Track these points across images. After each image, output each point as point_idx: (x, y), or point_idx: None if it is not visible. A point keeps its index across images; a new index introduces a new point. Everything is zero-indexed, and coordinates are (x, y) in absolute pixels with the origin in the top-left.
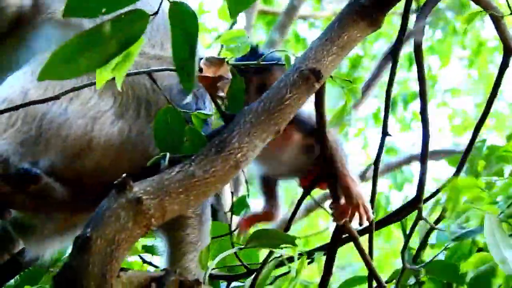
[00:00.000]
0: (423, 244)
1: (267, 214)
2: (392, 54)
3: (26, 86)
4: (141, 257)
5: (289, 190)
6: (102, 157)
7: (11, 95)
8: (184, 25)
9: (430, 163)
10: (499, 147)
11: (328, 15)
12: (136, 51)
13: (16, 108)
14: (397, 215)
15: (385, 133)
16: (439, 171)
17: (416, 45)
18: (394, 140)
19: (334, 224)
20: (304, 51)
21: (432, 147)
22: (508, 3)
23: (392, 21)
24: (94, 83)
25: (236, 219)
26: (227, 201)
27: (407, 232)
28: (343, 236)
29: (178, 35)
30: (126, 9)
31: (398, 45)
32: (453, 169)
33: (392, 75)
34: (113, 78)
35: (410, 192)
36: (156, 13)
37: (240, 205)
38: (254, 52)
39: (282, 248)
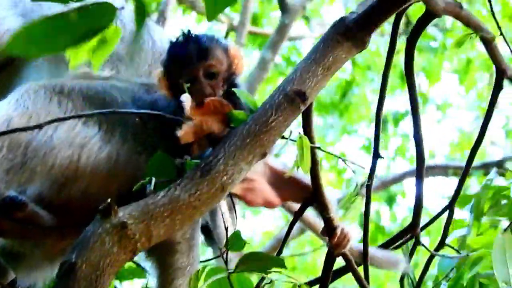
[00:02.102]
0: (424, 273)
1: None
2: (383, 77)
3: (9, 114)
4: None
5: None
6: (89, 183)
7: None
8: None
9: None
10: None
11: (317, 36)
12: (113, 39)
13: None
14: (394, 242)
15: (376, 155)
16: (436, 187)
17: (406, 63)
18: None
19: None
20: (289, 72)
21: (427, 162)
22: (498, 24)
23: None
24: (81, 115)
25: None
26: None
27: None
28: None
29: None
30: None
31: (387, 69)
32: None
33: (382, 99)
34: (98, 106)
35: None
36: (123, 8)
37: (236, 241)
38: (188, 37)
39: (271, 272)
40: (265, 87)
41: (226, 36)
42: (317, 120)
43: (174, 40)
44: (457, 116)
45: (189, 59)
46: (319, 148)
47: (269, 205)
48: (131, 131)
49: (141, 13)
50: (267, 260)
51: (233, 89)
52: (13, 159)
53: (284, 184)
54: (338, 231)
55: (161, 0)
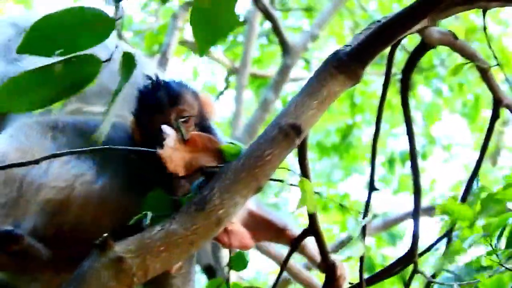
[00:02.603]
0: None
1: None
2: (378, 111)
3: (5, 149)
4: None
5: None
6: (83, 216)
7: None
8: (128, 71)
9: (424, 219)
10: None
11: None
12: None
13: None
14: (391, 270)
15: (372, 187)
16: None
17: (403, 97)
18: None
19: None
20: (284, 107)
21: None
22: (494, 53)
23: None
24: (75, 152)
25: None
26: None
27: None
28: None
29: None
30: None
31: (381, 103)
32: None
33: (377, 131)
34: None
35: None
36: (109, 60)
37: (239, 260)
38: (157, 84)
39: None
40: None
41: (227, 78)
42: (322, 161)
43: (142, 88)
44: (463, 154)
45: (160, 105)
46: (317, 193)
47: (244, 247)
48: (125, 166)
49: (129, 65)
50: None
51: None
52: (9, 193)
53: (258, 225)
54: (339, 266)
55: (163, 42)
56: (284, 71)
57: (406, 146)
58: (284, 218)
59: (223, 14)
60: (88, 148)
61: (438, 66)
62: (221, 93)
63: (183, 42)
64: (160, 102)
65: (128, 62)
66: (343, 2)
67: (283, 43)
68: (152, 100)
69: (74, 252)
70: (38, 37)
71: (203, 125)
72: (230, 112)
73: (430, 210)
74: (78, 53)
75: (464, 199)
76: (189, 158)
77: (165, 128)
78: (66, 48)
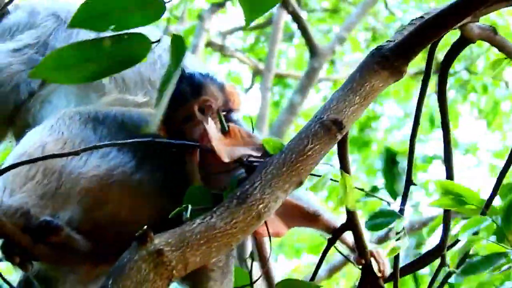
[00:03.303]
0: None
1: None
2: (416, 113)
3: (44, 140)
4: None
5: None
6: (120, 209)
7: (30, 149)
8: (178, 54)
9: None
10: None
11: (342, 78)
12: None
13: (34, 160)
14: (422, 262)
15: (409, 181)
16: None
17: (440, 88)
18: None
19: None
20: (326, 101)
21: None
22: None
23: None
24: (116, 143)
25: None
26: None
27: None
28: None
29: (173, 63)
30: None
31: (421, 98)
32: None
33: (416, 125)
34: (133, 132)
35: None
36: (159, 41)
37: None
38: (181, 77)
39: None
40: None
41: (252, 80)
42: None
43: None
44: (485, 158)
45: (183, 96)
46: (361, 189)
47: (277, 235)
48: (166, 159)
49: (179, 51)
50: (304, 287)
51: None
52: (48, 184)
53: (289, 211)
54: (379, 257)
55: (190, 43)
56: (311, 74)
57: (428, 151)
58: (315, 204)
59: None
60: (131, 140)
61: (461, 71)
62: (246, 91)
63: (209, 44)
64: (183, 94)
65: (178, 45)
66: (371, 5)
67: (311, 46)
68: (175, 93)
69: (113, 244)
70: (91, 12)
71: (229, 118)
72: (254, 113)
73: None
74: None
75: (491, 199)
76: (229, 149)
77: (204, 118)
78: (119, 25)
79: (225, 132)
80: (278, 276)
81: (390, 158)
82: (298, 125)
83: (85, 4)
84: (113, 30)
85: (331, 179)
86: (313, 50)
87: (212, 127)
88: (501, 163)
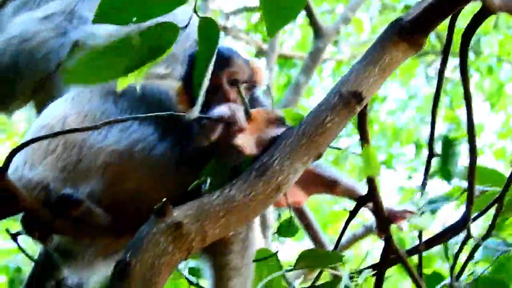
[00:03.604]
0: (468, 260)
1: None
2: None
3: (65, 113)
4: (187, 279)
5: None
6: (142, 181)
7: (51, 122)
8: (209, 38)
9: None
10: None
11: (345, 59)
12: (161, 57)
13: (55, 135)
14: (445, 235)
15: (431, 154)
16: None
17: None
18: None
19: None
20: (345, 74)
21: None
22: None
23: None
24: (135, 117)
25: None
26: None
27: (456, 250)
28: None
29: (204, 51)
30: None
31: (443, 66)
32: None
33: (438, 95)
34: (154, 105)
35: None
36: (187, 26)
37: (287, 227)
38: None
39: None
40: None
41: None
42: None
43: (192, 53)
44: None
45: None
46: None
47: (297, 203)
48: (186, 132)
49: (212, 36)
50: (326, 256)
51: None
52: (68, 157)
53: (308, 179)
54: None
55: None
56: (315, 55)
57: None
58: (333, 171)
59: None
60: (150, 114)
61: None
62: None
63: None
64: (213, 65)
65: (210, 29)
66: None
67: (316, 26)
68: None
69: (133, 217)
70: (112, 7)
71: (252, 94)
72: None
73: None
74: (154, 21)
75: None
76: (257, 135)
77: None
78: (141, 16)
79: (247, 117)
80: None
81: (447, 142)
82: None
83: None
84: (136, 22)
85: (353, 153)
86: (317, 30)
87: (241, 117)
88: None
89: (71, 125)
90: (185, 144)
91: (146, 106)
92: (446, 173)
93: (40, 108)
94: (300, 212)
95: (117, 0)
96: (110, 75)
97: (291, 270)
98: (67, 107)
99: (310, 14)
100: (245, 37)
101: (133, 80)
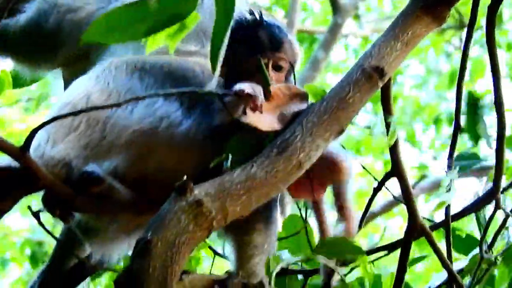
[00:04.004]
0: (499, 232)
1: None
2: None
3: (89, 90)
4: (211, 248)
5: None
6: (166, 158)
7: (74, 99)
8: (225, 10)
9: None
10: None
11: (366, 34)
12: (192, 23)
13: (77, 113)
14: (474, 206)
15: (458, 127)
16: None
17: (488, 31)
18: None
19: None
20: (367, 48)
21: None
22: None
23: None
24: (160, 94)
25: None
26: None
27: (486, 221)
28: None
29: (220, 21)
30: None
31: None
32: None
33: (462, 70)
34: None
35: None
36: None
37: None
38: (260, 23)
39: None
40: None
41: None
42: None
43: (241, 22)
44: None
45: (261, 46)
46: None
47: (314, 196)
48: (212, 109)
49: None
50: (346, 245)
51: None
52: (92, 134)
53: (322, 169)
54: None
55: None
56: (334, 30)
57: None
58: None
59: None
60: (174, 90)
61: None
62: None
63: None
64: (261, 44)
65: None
66: None
67: (334, 2)
68: (253, 39)
69: (155, 195)
70: None
71: (288, 76)
72: None
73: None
74: None
75: None
76: (279, 111)
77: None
78: None
79: (268, 94)
80: None
81: (472, 101)
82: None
83: None
84: None
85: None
86: (336, 6)
87: (258, 97)
88: None
89: (95, 102)
90: (209, 120)
91: (172, 83)
92: (473, 133)
93: (67, 81)
94: (316, 206)
95: None
96: (127, 36)
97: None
98: (91, 84)
99: None
100: (264, 12)
101: (163, 43)
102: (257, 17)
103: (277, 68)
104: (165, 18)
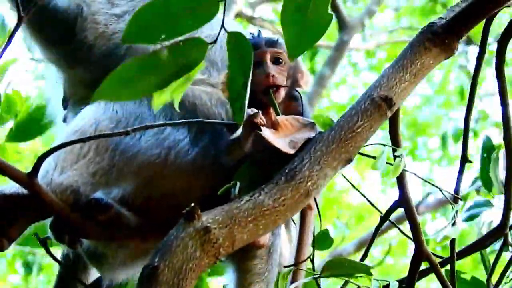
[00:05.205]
0: (507, 269)
1: None
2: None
3: (98, 117)
4: None
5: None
6: (174, 185)
7: (83, 127)
8: (240, 56)
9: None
10: None
11: (370, 48)
12: (195, 74)
13: (85, 140)
14: (482, 243)
15: (464, 159)
16: None
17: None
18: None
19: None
20: (376, 78)
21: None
22: None
23: None
24: (167, 124)
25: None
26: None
27: (493, 258)
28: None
29: (235, 66)
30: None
31: (476, 75)
32: None
33: (471, 103)
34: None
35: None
36: (215, 42)
37: (323, 239)
38: (259, 34)
39: (357, 278)
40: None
41: None
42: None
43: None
44: None
45: (258, 45)
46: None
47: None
48: (219, 137)
49: (244, 54)
50: (353, 266)
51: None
52: (100, 162)
53: None
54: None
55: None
56: (341, 47)
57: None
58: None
59: (316, 11)
60: (180, 121)
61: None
62: None
63: (238, 15)
64: (258, 44)
65: (241, 45)
66: None
67: (340, 19)
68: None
69: (162, 221)
70: (141, 25)
71: (292, 95)
72: None
73: None
74: (183, 37)
75: None
76: (289, 139)
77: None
78: (169, 33)
79: (275, 124)
80: None
81: (488, 148)
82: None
83: (134, 17)
84: (164, 40)
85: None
86: (342, 23)
87: (266, 130)
88: None
89: (103, 130)
90: (217, 148)
91: (180, 111)
92: (486, 181)
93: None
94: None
95: (145, 19)
96: (140, 91)
97: (319, 277)
98: (100, 112)
99: (334, 7)
100: (270, 27)
101: (169, 98)
102: (256, 32)
103: (276, 61)
104: (177, 68)
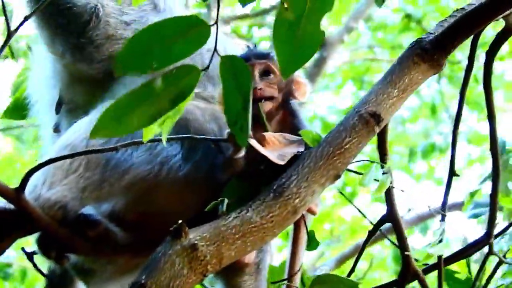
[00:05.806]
0: (491, 277)
1: None
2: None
3: (89, 133)
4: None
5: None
6: (165, 201)
7: (74, 141)
8: (236, 78)
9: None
10: None
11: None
12: (184, 105)
13: (74, 155)
14: (467, 251)
15: (452, 173)
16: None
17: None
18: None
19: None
20: (365, 94)
21: None
22: None
23: None
24: (159, 139)
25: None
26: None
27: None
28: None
29: (230, 89)
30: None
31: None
32: None
33: (458, 117)
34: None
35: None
36: (207, 68)
37: (311, 241)
38: (253, 49)
39: None
40: None
41: None
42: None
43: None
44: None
45: (248, 58)
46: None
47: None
48: (211, 153)
49: (243, 77)
50: (340, 281)
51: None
52: (91, 177)
53: None
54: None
55: None
56: (320, 63)
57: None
58: None
59: (308, 28)
60: (171, 137)
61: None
62: None
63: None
64: (248, 57)
65: (238, 69)
66: None
67: None
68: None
69: (151, 237)
70: (132, 55)
71: (288, 107)
72: None
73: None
74: (175, 65)
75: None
76: (277, 153)
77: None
78: (161, 62)
79: (262, 140)
80: None
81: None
82: None
83: (124, 49)
84: (156, 69)
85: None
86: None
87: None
88: None
89: (94, 145)
90: (209, 164)
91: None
92: None
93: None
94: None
95: (136, 47)
96: (136, 125)
97: None
98: (90, 127)
99: None
100: (245, 44)
101: (159, 130)
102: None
103: (265, 73)
104: (172, 97)
